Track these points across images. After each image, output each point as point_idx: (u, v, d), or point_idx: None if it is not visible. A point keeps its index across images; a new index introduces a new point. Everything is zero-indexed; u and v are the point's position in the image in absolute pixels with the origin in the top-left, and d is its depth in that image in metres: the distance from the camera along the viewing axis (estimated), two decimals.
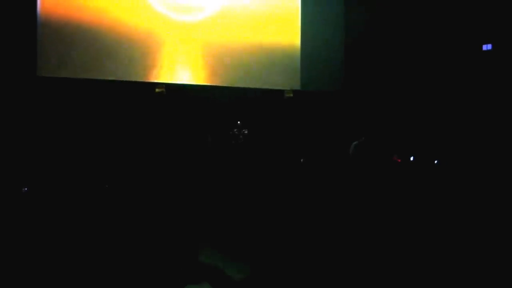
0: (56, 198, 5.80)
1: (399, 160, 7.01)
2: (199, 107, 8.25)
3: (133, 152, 7.37)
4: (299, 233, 4.86)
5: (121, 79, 7.96)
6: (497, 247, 4.18)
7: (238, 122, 8.29)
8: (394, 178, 6.60)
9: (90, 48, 7.79)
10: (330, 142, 8.24)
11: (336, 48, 9.48)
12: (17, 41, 7.20)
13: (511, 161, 6.66)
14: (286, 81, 9.15)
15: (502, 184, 5.85)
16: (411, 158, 7.46)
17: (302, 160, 7.79)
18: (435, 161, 7.35)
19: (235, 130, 8.24)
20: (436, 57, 8.77)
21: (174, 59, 8.40)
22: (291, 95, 9.09)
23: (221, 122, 8.35)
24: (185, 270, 4.03)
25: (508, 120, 7.57)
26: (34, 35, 7.41)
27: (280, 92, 9.12)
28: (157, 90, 8.16)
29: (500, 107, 7.80)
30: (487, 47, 8.40)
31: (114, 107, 7.71)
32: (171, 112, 8.10)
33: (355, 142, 6.96)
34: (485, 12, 8.29)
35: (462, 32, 8.58)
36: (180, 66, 8.43)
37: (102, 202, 5.89)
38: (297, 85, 9.20)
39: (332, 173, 7.06)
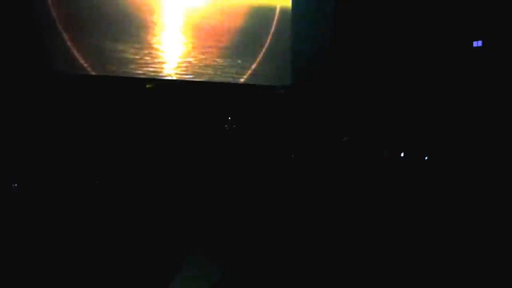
0: (46, 194, 5.79)
1: (387, 156, 7.03)
2: (189, 103, 8.24)
3: (123, 148, 7.36)
4: (290, 230, 4.87)
5: (112, 75, 7.92)
6: (487, 242, 4.21)
7: (229, 118, 8.29)
8: (385, 173, 6.63)
9: (81, 43, 7.76)
10: (321, 138, 8.25)
11: (327, 45, 9.47)
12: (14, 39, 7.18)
13: (502, 156, 6.70)
14: (277, 77, 9.14)
15: (493, 179, 5.89)
16: (402, 154, 7.48)
17: (292, 156, 7.80)
18: (425, 157, 7.37)
19: (226, 126, 8.24)
20: (427, 54, 8.80)
21: (165, 55, 8.37)
22: (282, 91, 9.09)
23: (211, 118, 8.34)
24: (173, 269, 4.04)
25: (499, 116, 7.61)
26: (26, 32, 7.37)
27: (271, 88, 9.11)
28: (147, 85, 8.15)
29: (490, 103, 7.85)
30: (477, 43, 8.43)
31: (104, 103, 7.68)
32: (162, 107, 8.09)
33: (345, 138, 6.98)
34: (476, 9, 8.32)
35: (453, 29, 8.61)
36: (171, 62, 8.40)
37: (92, 198, 5.88)
38: (288, 82, 9.20)
39: (322, 169, 7.07)
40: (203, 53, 8.61)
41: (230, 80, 8.75)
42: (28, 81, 7.27)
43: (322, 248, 4.32)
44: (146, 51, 8.24)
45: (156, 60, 8.29)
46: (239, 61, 8.84)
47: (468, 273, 3.63)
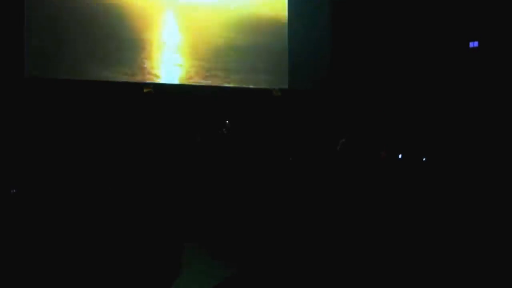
0: (45, 199, 5.78)
1: (384, 155, 7.05)
2: (187, 107, 8.24)
3: (122, 152, 7.36)
4: (288, 231, 4.88)
5: (109, 80, 7.93)
6: (483, 242, 4.22)
7: (227, 121, 8.30)
8: (382, 174, 6.63)
9: (78, 48, 7.76)
10: (319, 140, 8.27)
11: (324, 47, 9.50)
12: (4, 41, 7.17)
13: (499, 156, 6.71)
14: (274, 80, 9.15)
15: (490, 179, 5.90)
16: (399, 156, 7.50)
17: (290, 158, 7.80)
18: (423, 158, 7.39)
19: (224, 129, 8.25)
20: (424, 55, 8.84)
21: (162, 59, 8.38)
22: (279, 94, 9.11)
23: (209, 121, 8.35)
24: (172, 268, 4.04)
25: (495, 116, 7.64)
26: (21, 35, 7.38)
27: (268, 91, 9.13)
28: (145, 90, 8.16)
29: (486, 103, 7.87)
30: (473, 44, 8.48)
31: (103, 108, 7.69)
32: (160, 112, 8.10)
33: (342, 140, 7.00)
34: (472, 11, 8.37)
35: (450, 30, 8.65)
36: (168, 66, 8.41)
37: (92, 202, 5.88)
38: (285, 84, 9.22)
39: (320, 171, 7.08)
40: (199, 58, 8.63)
41: (228, 84, 8.77)
42: (21, 86, 7.32)
43: (321, 249, 4.33)
44: (139, 77, 8.23)
45: (152, 65, 8.31)
46: (236, 66, 8.87)
47: (464, 272, 3.64)
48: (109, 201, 5.92)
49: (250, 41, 9.01)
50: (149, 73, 8.28)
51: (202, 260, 4.32)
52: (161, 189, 6.32)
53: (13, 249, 4.15)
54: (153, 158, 7.26)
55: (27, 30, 7.42)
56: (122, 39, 8.07)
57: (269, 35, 9.20)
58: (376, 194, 5.72)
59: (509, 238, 4.22)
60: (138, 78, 8.18)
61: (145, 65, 8.24)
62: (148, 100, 8.14)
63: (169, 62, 8.45)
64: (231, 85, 8.80)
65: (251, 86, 8.95)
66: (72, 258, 4.01)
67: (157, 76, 8.34)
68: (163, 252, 4.42)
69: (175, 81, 8.48)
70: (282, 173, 7.24)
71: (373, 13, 9.24)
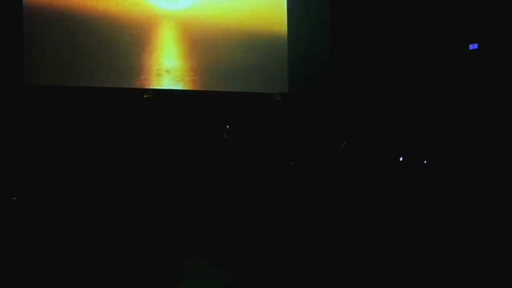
0: (46, 206, 5.78)
1: (385, 158, 7.03)
2: (187, 112, 8.25)
3: (121, 158, 7.37)
4: (290, 236, 4.87)
5: (109, 86, 7.94)
6: (484, 245, 4.21)
7: (227, 126, 8.30)
8: (384, 178, 6.62)
9: (76, 55, 7.78)
10: (319, 144, 8.26)
11: (324, 51, 9.50)
12: (3, 48, 7.20)
13: (500, 159, 6.70)
14: (274, 84, 9.15)
15: (491, 182, 5.88)
16: (400, 159, 7.48)
17: (291, 163, 7.79)
18: (424, 161, 7.37)
19: (224, 134, 8.25)
20: (424, 57, 8.84)
21: (161, 65, 8.39)
22: (279, 98, 9.10)
23: (209, 126, 8.36)
24: (172, 274, 4.04)
25: (495, 118, 7.62)
26: (20, 42, 7.40)
27: (268, 95, 9.13)
28: (145, 96, 8.18)
29: (487, 105, 7.86)
30: (473, 46, 8.48)
31: (102, 114, 7.70)
32: (160, 117, 8.11)
33: (343, 143, 6.99)
34: (472, 12, 8.38)
35: (449, 32, 8.65)
36: (168, 71, 8.42)
37: (91, 208, 5.88)
38: (285, 89, 9.22)
39: (321, 176, 7.07)
40: (199, 63, 8.64)
41: (227, 89, 8.76)
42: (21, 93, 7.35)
43: (321, 253, 4.32)
44: (141, 62, 8.21)
45: (152, 70, 8.30)
46: (236, 70, 8.87)
47: (465, 275, 3.64)
48: (109, 207, 5.92)
49: (250, 45, 9.02)
50: (149, 79, 8.29)
51: (202, 266, 4.31)
52: (161, 194, 6.32)
53: (15, 259, 4.15)
54: (153, 163, 7.26)
55: (27, 39, 7.45)
56: (121, 44, 8.10)
57: (269, 39, 9.20)
58: (378, 197, 5.70)
59: (510, 241, 4.20)
60: (138, 84, 8.20)
61: (145, 70, 8.25)
62: (147, 105, 8.15)
63: (168, 67, 8.45)
64: (230, 89, 8.78)
65: (251, 91, 8.95)
66: (73, 266, 4.01)
67: (157, 82, 8.35)
68: (163, 259, 4.41)
69: (175, 86, 8.48)
70: (282, 178, 7.23)
71: (373, 17, 9.26)
